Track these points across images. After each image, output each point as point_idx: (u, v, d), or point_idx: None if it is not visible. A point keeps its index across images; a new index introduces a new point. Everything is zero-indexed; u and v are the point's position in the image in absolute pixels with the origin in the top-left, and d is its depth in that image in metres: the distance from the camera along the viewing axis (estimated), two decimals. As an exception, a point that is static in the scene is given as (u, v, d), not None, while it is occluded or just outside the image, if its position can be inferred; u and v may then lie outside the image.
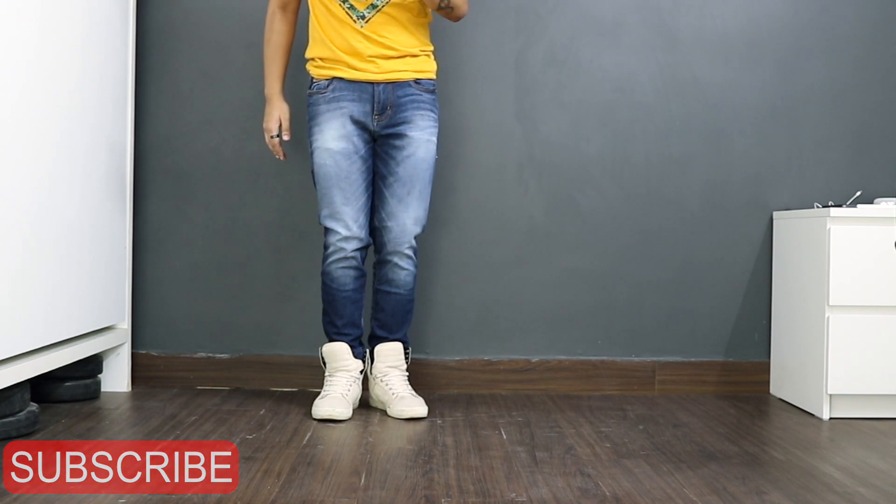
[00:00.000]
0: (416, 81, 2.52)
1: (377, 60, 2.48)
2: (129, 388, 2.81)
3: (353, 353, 2.56)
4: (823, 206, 2.73)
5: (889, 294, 2.53)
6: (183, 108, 2.91)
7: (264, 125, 2.63)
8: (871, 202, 2.88)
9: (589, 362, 2.91)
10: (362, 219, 2.50)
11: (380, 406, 2.58)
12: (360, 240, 2.50)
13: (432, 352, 2.91)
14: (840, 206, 2.63)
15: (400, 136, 2.49)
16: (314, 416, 2.44)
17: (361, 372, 2.58)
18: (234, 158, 2.91)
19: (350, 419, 2.45)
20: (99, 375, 2.70)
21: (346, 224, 2.49)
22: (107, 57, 2.60)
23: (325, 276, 2.53)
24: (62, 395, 2.58)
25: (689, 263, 2.94)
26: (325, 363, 2.57)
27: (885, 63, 2.97)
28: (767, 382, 2.93)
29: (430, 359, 2.90)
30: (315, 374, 2.88)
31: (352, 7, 2.45)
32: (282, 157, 2.66)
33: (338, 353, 2.54)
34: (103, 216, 2.60)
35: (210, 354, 2.90)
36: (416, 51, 2.51)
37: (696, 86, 2.94)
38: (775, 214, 2.92)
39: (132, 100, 2.79)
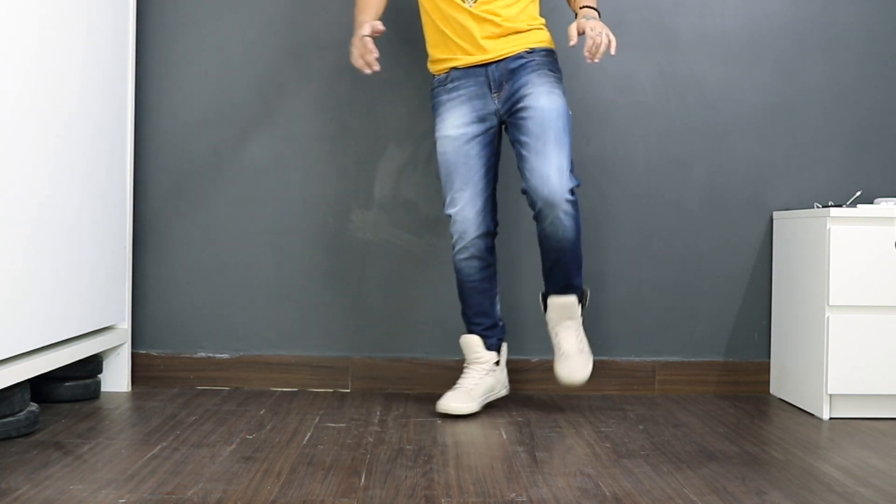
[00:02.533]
0: (530, 51, 2.50)
1: (488, 41, 2.48)
2: (129, 388, 2.81)
3: (486, 343, 2.59)
4: (823, 206, 2.73)
5: (889, 294, 2.53)
6: (183, 108, 2.91)
7: (356, 33, 2.45)
8: (871, 202, 2.88)
9: (589, 362, 2.91)
10: (481, 203, 2.51)
11: None
12: (479, 226, 2.51)
13: (432, 352, 2.91)
14: (840, 206, 2.63)
15: (520, 99, 2.48)
16: (436, 409, 2.50)
17: (497, 363, 2.61)
18: (234, 158, 2.91)
19: (355, 421, 2.45)
20: (99, 375, 2.70)
21: (463, 209, 2.50)
22: (107, 57, 2.61)
23: (454, 265, 2.58)
24: (62, 395, 2.58)
25: (689, 263, 2.94)
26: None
27: (885, 63, 2.97)
28: (767, 382, 2.93)
29: (430, 359, 2.90)
30: (315, 374, 2.88)
31: None
32: (373, 66, 2.41)
33: (470, 345, 2.59)
34: (103, 216, 2.60)
35: (210, 354, 2.90)
36: (524, 26, 2.50)
37: (695, 86, 2.94)
38: (775, 214, 2.92)
39: (132, 100, 2.79)
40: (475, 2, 2.47)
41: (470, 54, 2.50)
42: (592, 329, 2.92)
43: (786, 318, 2.81)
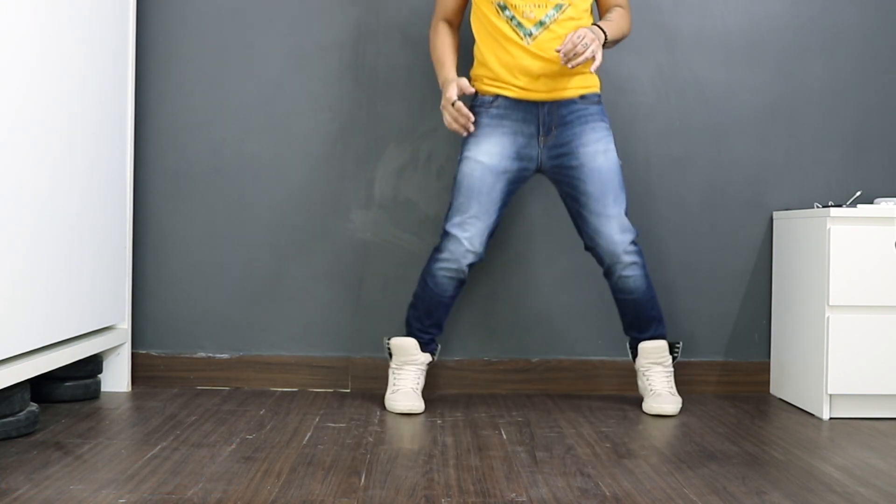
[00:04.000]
0: (582, 97, 2.53)
1: (544, 79, 2.49)
2: (129, 388, 2.81)
3: (423, 347, 2.61)
4: (823, 206, 2.73)
5: (889, 294, 2.53)
6: (183, 108, 2.91)
7: (443, 101, 2.50)
8: (871, 202, 2.88)
9: (589, 362, 2.91)
10: (485, 237, 2.53)
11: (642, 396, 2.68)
12: (477, 255, 2.53)
13: (432, 352, 2.91)
14: (840, 206, 2.63)
15: (571, 154, 2.50)
16: (392, 411, 2.52)
17: (429, 364, 2.63)
18: (234, 158, 2.91)
19: (355, 421, 2.45)
20: (99, 375, 2.70)
21: (471, 238, 2.51)
22: (107, 57, 2.61)
23: (429, 277, 2.56)
24: (62, 395, 2.58)
25: (689, 263, 2.94)
26: (391, 355, 2.63)
27: (885, 63, 2.97)
28: (767, 382, 2.93)
29: (430, 359, 2.90)
30: (315, 375, 2.88)
31: (519, 25, 2.47)
32: (470, 128, 2.49)
33: (406, 348, 2.59)
34: (103, 216, 2.60)
35: (210, 354, 2.90)
36: (578, 69, 2.52)
37: (696, 86, 2.94)
38: (775, 214, 2.92)
39: (132, 100, 2.79)
40: (533, 40, 2.47)
41: (522, 89, 2.50)
42: (593, 329, 2.92)
43: (786, 318, 2.81)
